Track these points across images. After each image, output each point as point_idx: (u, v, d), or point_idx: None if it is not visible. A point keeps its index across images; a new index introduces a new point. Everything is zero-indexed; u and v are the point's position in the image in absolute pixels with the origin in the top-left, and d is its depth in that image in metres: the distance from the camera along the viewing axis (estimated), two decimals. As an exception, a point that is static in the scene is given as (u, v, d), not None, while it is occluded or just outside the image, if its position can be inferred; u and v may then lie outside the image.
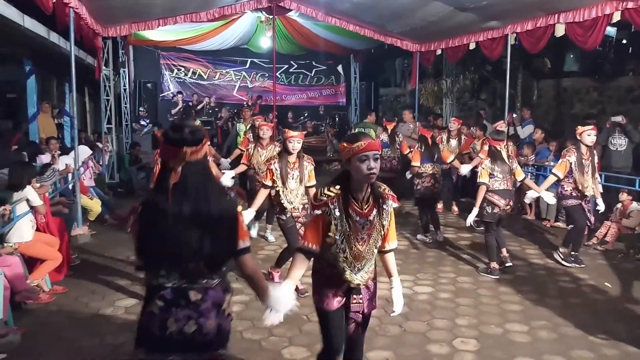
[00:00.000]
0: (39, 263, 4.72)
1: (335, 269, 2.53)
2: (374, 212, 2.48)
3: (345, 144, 2.44)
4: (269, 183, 4.59)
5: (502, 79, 9.36)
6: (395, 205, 2.58)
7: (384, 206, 2.50)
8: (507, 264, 5.51)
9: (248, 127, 7.66)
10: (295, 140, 4.54)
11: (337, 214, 2.43)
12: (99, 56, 9.45)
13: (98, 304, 4.55)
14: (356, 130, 9.28)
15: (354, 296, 2.61)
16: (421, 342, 3.84)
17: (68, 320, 4.27)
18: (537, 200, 7.88)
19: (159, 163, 4.42)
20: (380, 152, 2.44)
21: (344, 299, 2.61)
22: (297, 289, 4.77)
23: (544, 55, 12.55)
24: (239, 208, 2.21)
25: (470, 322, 4.27)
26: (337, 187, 2.46)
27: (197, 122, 7.58)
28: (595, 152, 5.82)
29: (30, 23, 7.38)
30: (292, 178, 4.61)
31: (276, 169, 4.57)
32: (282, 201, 4.62)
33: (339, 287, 2.58)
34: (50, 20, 6.76)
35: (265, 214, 6.70)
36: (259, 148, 6.34)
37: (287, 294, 2.30)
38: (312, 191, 4.61)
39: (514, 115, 10.50)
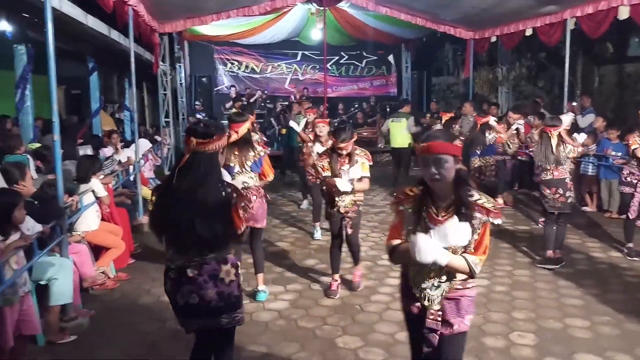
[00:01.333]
0: (104, 251, 4.96)
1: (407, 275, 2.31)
2: None
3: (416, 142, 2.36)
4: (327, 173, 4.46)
5: (561, 66, 9.00)
6: (498, 221, 2.14)
7: (472, 221, 2.08)
8: (545, 265, 5.29)
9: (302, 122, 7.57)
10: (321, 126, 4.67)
11: (411, 215, 2.21)
12: (157, 52, 9.75)
13: (159, 290, 4.72)
14: (391, 122, 9.16)
15: (431, 310, 2.23)
16: (477, 335, 3.79)
17: (131, 306, 4.48)
18: (599, 192, 7.59)
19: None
20: (448, 155, 2.09)
21: (421, 310, 2.28)
22: (353, 284, 4.78)
23: (605, 40, 11.97)
24: (240, 202, 2.49)
25: (528, 315, 4.18)
26: (421, 187, 2.22)
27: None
28: None
29: (92, 22, 7.70)
30: (344, 173, 4.38)
31: (326, 165, 4.48)
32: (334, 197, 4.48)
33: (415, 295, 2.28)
34: (110, 18, 7.03)
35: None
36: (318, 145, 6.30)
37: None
38: (366, 183, 4.45)
39: (574, 104, 10.09)
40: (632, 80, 12.59)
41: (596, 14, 7.53)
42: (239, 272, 2.59)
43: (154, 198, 2.59)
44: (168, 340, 3.80)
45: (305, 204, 8.04)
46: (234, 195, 2.47)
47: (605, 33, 8.04)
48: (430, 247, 1.97)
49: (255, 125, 5.28)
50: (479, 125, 6.90)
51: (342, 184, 4.32)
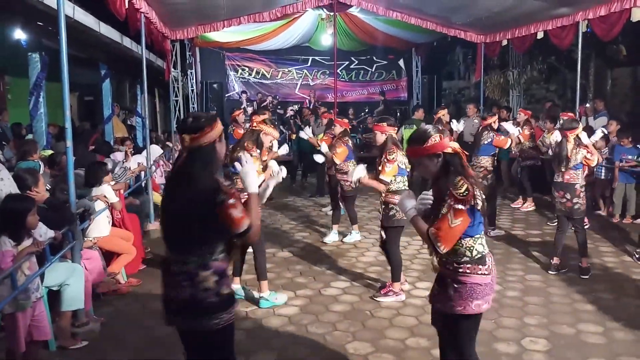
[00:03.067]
0: (115, 256, 5.00)
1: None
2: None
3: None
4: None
5: (573, 69, 8.93)
6: (459, 206, 2.40)
7: (443, 202, 2.45)
8: (550, 271, 5.24)
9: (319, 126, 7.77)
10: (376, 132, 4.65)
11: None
12: (168, 58, 9.84)
13: (170, 296, 4.75)
14: (404, 129, 9.14)
15: None
16: (488, 340, 3.76)
17: (143, 311, 4.50)
18: (611, 196, 7.50)
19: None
20: (422, 157, 2.52)
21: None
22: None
23: (618, 42, 11.85)
24: (230, 200, 2.28)
25: (540, 321, 4.13)
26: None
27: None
28: None
29: (105, 29, 7.80)
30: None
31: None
32: None
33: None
34: (123, 25, 7.11)
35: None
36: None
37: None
38: (378, 185, 4.47)
39: (587, 106, 9.99)
40: (646, 83, 12.46)
41: (609, 16, 7.45)
42: (226, 278, 2.44)
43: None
44: (180, 345, 3.79)
45: (329, 209, 7.67)
46: (224, 193, 2.29)
47: (618, 35, 7.96)
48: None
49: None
50: (481, 127, 6.84)
51: (359, 171, 4.39)
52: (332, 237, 6.51)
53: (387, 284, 4.72)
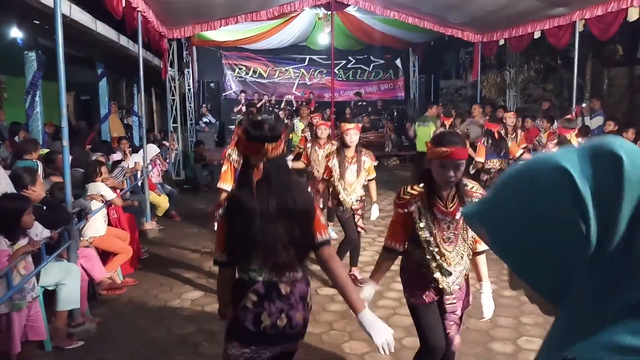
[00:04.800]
0: (111, 256, 4.99)
1: (424, 268, 2.49)
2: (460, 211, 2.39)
3: (430, 144, 2.36)
4: (327, 177, 4.66)
5: (570, 69, 8.94)
6: None
7: None
8: None
9: (305, 125, 7.75)
10: (352, 133, 4.55)
11: (421, 212, 2.39)
12: (165, 57, 9.82)
13: (166, 296, 4.75)
14: (417, 126, 9.14)
15: (447, 296, 2.56)
16: (484, 340, 3.76)
17: (139, 311, 4.49)
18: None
19: (232, 160, 4.60)
20: (465, 160, 2.34)
21: (437, 297, 2.56)
22: (355, 278, 4.79)
23: (615, 42, 11.88)
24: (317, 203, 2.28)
25: (536, 320, 4.13)
26: (421, 185, 2.41)
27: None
28: None
29: (102, 28, 7.78)
30: (351, 172, 4.63)
31: (334, 165, 4.61)
32: (340, 195, 4.64)
33: (429, 285, 2.53)
34: (120, 24, 7.10)
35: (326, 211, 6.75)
36: (316, 147, 6.35)
37: (376, 322, 2.14)
38: (373, 185, 4.76)
39: (583, 106, 10.01)
40: (643, 83, 12.47)
41: (605, 16, 7.47)
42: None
43: (224, 218, 2.20)
44: (176, 345, 3.80)
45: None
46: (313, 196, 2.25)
47: (615, 35, 7.98)
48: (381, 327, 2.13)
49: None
50: (496, 134, 6.81)
51: (375, 212, 4.89)
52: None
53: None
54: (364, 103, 14.55)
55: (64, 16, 4.71)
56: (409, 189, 2.43)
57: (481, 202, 0.74)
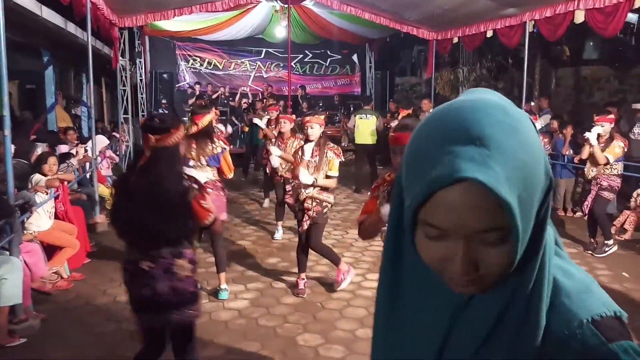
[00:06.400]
0: (58, 250, 4.80)
1: None
2: None
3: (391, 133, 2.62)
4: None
5: (520, 68, 9.22)
6: None
7: None
8: None
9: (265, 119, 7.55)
10: (309, 126, 4.39)
11: (384, 198, 2.58)
12: (116, 46, 9.51)
13: (115, 291, 4.61)
14: (358, 118, 9.20)
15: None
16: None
17: (87, 306, 4.34)
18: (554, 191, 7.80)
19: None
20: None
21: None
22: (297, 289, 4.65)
23: (562, 43, 12.33)
24: (199, 195, 2.52)
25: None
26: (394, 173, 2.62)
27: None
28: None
29: (47, 13, 7.44)
30: (310, 165, 4.36)
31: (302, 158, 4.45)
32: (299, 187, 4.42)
33: None
34: (67, 10, 6.81)
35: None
36: (278, 143, 6.26)
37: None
38: (332, 182, 4.40)
39: (532, 104, 10.34)
40: (588, 83, 12.99)
41: (554, 18, 7.72)
42: (196, 269, 2.58)
43: (112, 196, 2.69)
44: (124, 342, 3.68)
45: (267, 203, 7.99)
46: (195, 187, 2.49)
47: (563, 36, 8.26)
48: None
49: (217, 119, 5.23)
50: None
51: (304, 175, 4.27)
52: (278, 235, 6.39)
53: (336, 271, 4.69)
54: (309, 96, 14.44)
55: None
56: (385, 176, 2.66)
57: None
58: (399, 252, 0.78)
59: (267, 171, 6.97)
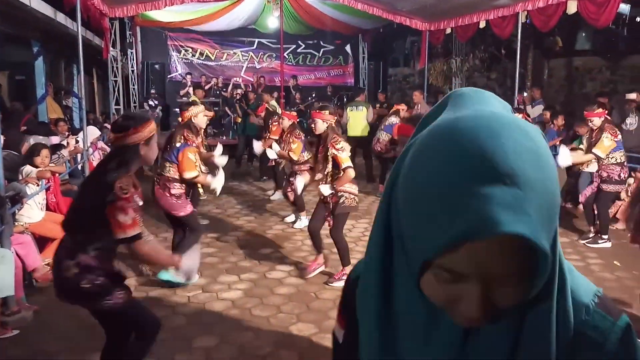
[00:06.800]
0: (49, 242, 4.77)
1: None
2: None
3: None
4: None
5: (513, 58, 9.23)
6: None
7: None
8: None
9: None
10: (312, 121, 4.52)
11: None
12: (106, 37, 9.42)
13: (108, 282, 4.58)
14: (349, 110, 9.16)
15: None
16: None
17: (79, 298, 4.32)
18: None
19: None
20: (408, 137, 2.51)
21: None
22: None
23: (555, 34, 12.35)
24: (120, 202, 2.35)
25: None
26: None
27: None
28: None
29: (36, 3, 7.36)
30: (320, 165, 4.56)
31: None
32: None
33: None
34: (56, 0, 6.74)
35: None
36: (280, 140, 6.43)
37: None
38: (348, 176, 4.36)
39: (525, 95, 10.37)
40: (580, 74, 13.04)
41: (546, 8, 7.73)
42: (91, 275, 2.44)
43: None
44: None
45: (276, 195, 7.73)
46: (116, 194, 2.32)
47: (555, 27, 8.27)
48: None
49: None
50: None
51: (324, 188, 4.41)
52: (302, 224, 6.32)
53: (340, 269, 4.67)
54: (300, 87, 14.39)
55: (-6, -13, 4.42)
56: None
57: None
58: (388, 281, 0.69)
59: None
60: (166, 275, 4.34)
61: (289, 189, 6.18)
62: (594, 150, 5.58)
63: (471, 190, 0.53)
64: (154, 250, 2.58)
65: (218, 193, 4.90)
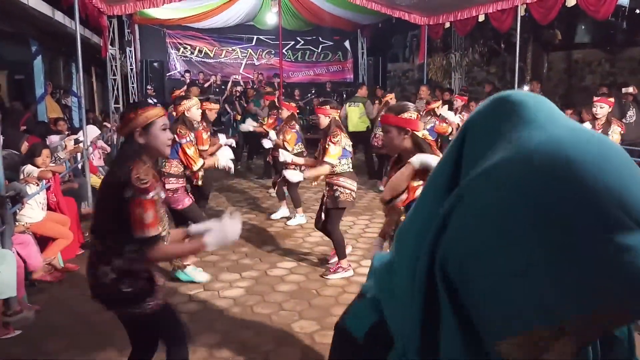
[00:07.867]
0: (51, 242, 4.77)
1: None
2: None
3: None
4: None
5: (512, 52, 9.20)
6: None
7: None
8: None
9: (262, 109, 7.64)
10: (317, 116, 4.65)
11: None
12: (105, 35, 9.40)
13: (110, 281, 4.59)
14: (348, 106, 9.15)
15: None
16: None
17: (81, 297, 4.31)
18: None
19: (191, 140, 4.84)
20: (389, 126, 2.66)
21: None
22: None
23: (554, 27, 12.31)
24: (141, 197, 2.14)
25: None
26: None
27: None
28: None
29: (34, 2, 7.34)
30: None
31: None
32: None
33: None
34: (54, -1, 6.74)
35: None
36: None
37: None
38: (323, 169, 4.47)
39: (525, 88, 10.35)
40: (580, 67, 13.01)
41: (545, 1, 7.71)
42: (131, 278, 2.29)
43: None
44: (119, 331, 3.66)
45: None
46: (133, 187, 2.14)
47: (554, 20, 8.25)
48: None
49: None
50: (424, 111, 7.00)
51: (289, 174, 4.57)
52: (300, 220, 6.38)
53: (335, 262, 4.73)
54: (292, 83, 14.38)
55: (-9, -13, 4.40)
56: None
57: None
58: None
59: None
60: (184, 275, 4.42)
61: (280, 179, 6.28)
62: None
63: (614, 242, 0.51)
64: (171, 247, 2.43)
65: (232, 169, 4.95)
